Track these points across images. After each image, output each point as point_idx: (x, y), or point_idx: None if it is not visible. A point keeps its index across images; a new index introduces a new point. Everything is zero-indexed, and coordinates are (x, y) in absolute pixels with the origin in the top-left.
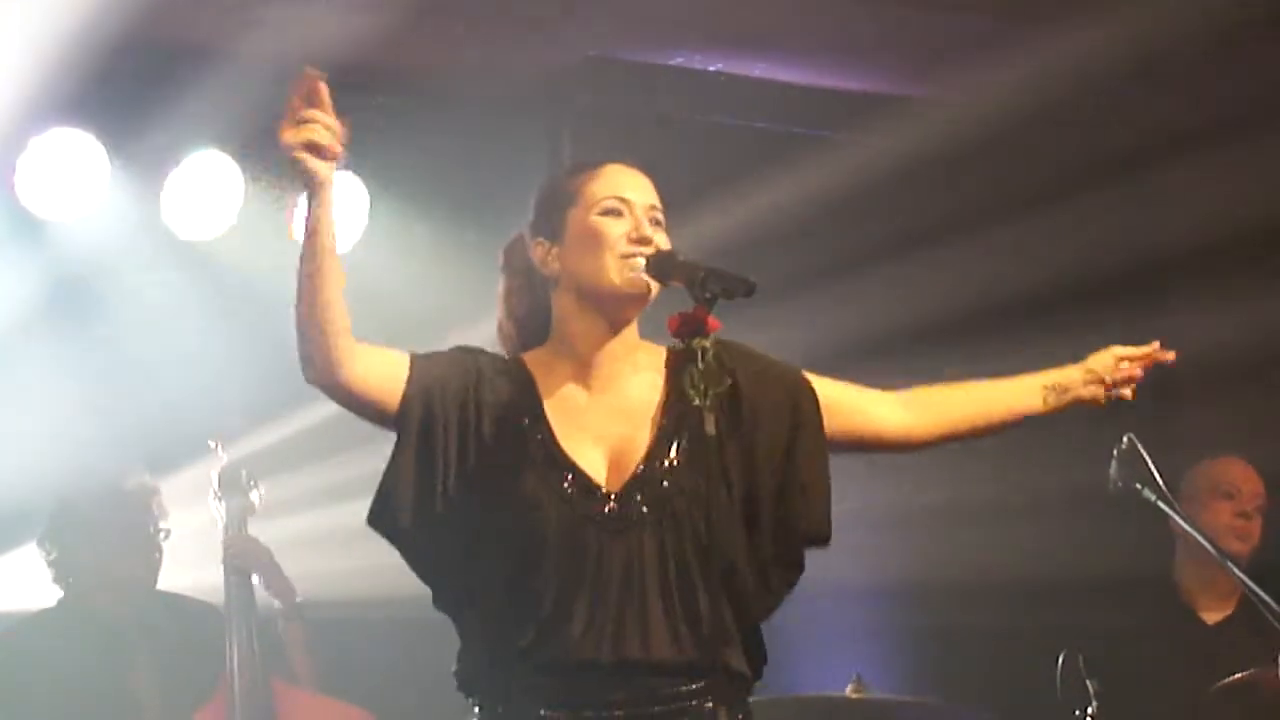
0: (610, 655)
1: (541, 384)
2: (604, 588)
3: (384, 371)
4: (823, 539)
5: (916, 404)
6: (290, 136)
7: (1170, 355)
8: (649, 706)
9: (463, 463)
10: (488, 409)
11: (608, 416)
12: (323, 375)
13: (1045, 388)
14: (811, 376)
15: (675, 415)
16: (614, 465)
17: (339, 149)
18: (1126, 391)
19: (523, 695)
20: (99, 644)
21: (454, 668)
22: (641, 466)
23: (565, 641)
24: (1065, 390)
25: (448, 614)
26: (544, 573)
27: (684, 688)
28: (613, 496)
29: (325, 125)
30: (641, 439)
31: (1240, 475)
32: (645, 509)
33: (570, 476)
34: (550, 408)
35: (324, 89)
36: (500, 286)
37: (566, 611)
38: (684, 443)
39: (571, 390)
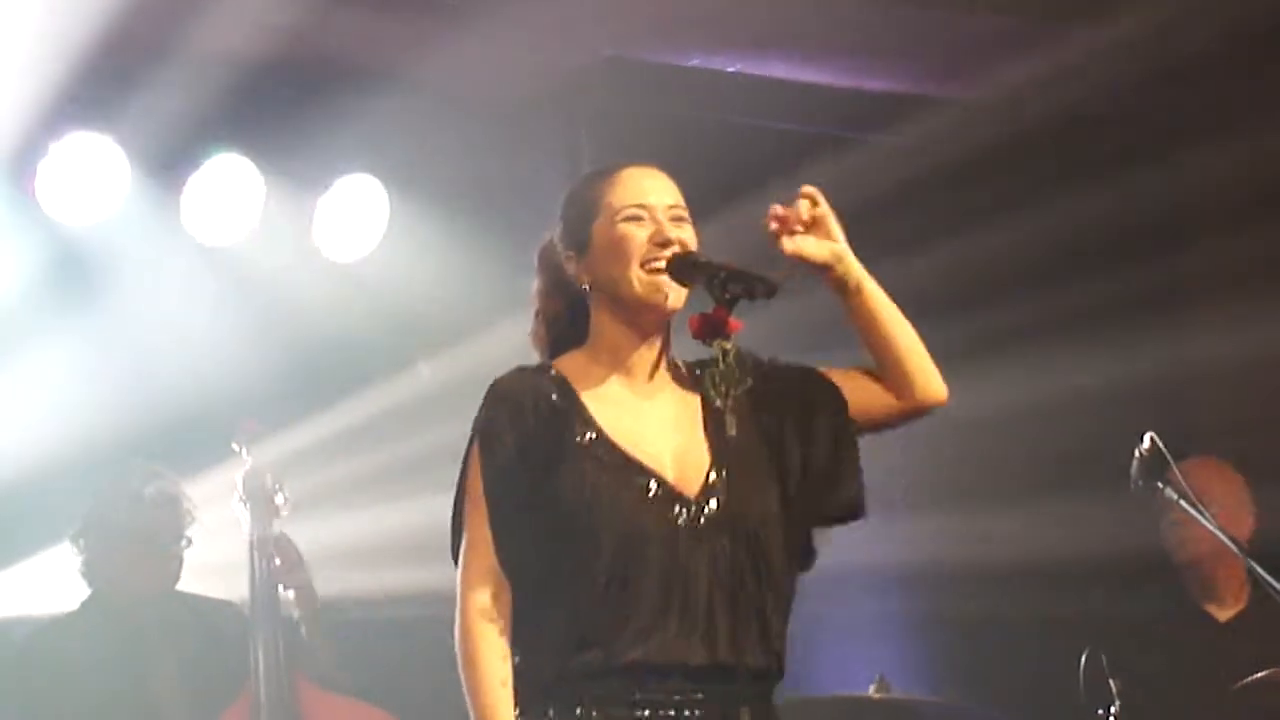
0: (705, 658)
1: (582, 391)
2: (694, 592)
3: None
4: (853, 515)
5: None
6: None
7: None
8: (720, 707)
9: (533, 497)
10: (543, 439)
11: (660, 422)
12: None
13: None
14: (822, 369)
15: (718, 424)
16: (681, 471)
17: None
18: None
19: (603, 698)
20: (124, 646)
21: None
22: (711, 475)
23: (663, 645)
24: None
25: (532, 630)
26: (642, 577)
27: (753, 689)
28: (693, 501)
29: None
30: (699, 448)
31: (1213, 484)
32: (720, 517)
33: (656, 480)
34: (599, 413)
35: None
36: (533, 289)
37: (664, 616)
38: (737, 452)
39: (618, 393)
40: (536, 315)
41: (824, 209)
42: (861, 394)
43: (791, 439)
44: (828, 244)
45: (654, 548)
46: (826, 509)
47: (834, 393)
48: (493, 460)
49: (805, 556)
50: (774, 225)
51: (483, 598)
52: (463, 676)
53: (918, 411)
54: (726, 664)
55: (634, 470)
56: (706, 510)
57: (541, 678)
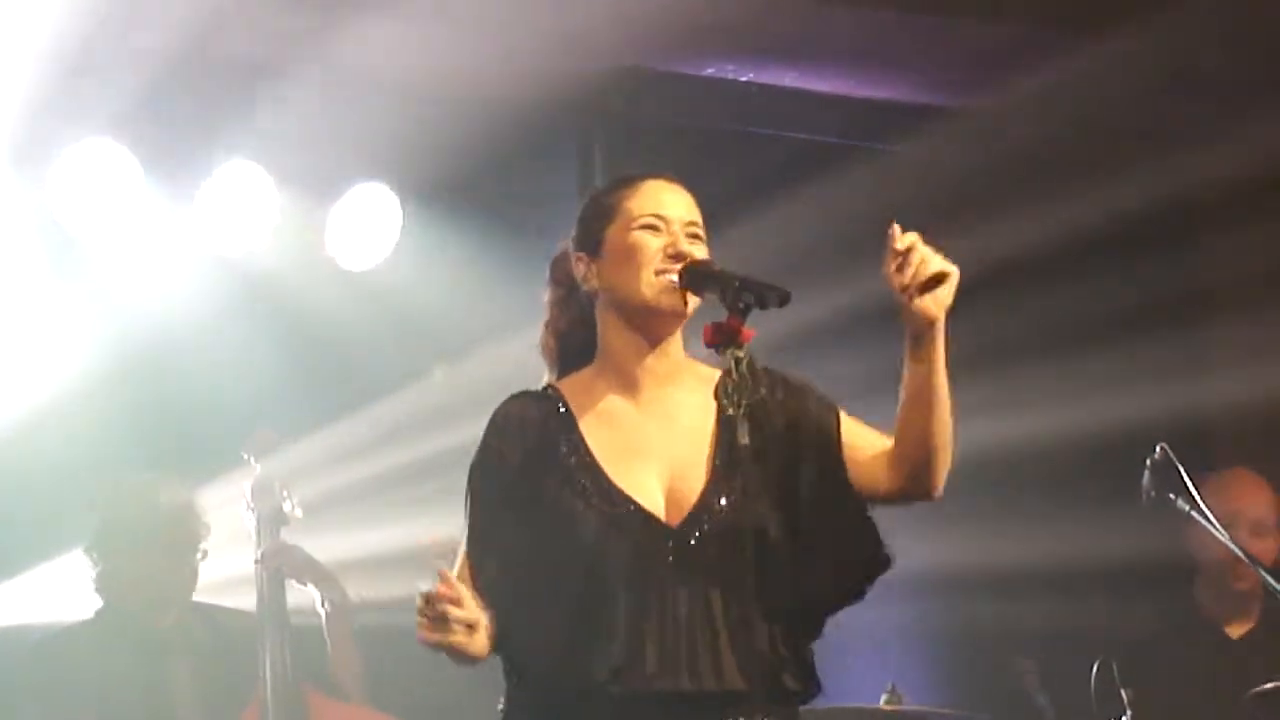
0: (690, 686)
1: (579, 411)
2: (673, 619)
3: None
4: (881, 566)
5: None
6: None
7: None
8: None
9: (515, 531)
10: (525, 469)
11: (660, 438)
12: None
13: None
14: (843, 415)
15: (729, 441)
16: (673, 494)
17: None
18: (924, 298)
19: None
20: (136, 654)
21: (501, 707)
22: (702, 498)
23: (641, 676)
24: (908, 341)
25: (510, 656)
26: (613, 609)
27: (748, 714)
28: (675, 530)
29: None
30: (698, 466)
31: (1248, 494)
32: (707, 541)
33: (630, 510)
34: (592, 433)
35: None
36: (544, 299)
37: (639, 645)
38: (741, 470)
39: (618, 410)
40: (546, 326)
41: (953, 280)
42: (861, 457)
43: (802, 474)
44: (936, 306)
45: (622, 582)
46: (851, 569)
47: (837, 442)
48: (480, 497)
49: (844, 586)
50: (896, 259)
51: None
52: None
53: (904, 498)
54: (713, 692)
55: (613, 500)
56: (693, 537)
57: (532, 706)
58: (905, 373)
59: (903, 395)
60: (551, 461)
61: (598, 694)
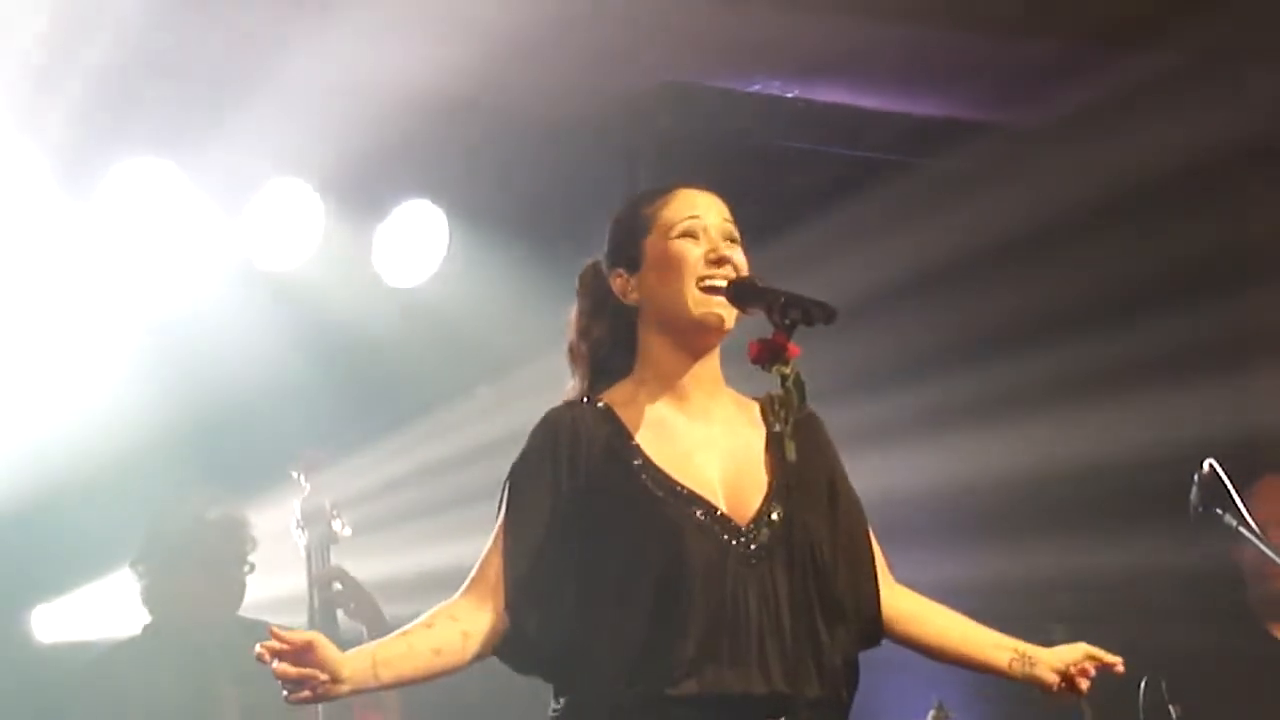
0: (761, 688)
1: (630, 422)
2: (745, 618)
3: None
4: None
5: (907, 600)
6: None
7: (1119, 668)
8: None
9: (571, 534)
10: (583, 475)
11: (714, 443)
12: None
13: (1016, 653)
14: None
15: (780, 452)
16: (734, 497)
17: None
18: (1082, 684)
19: None
20: (184, 671)
21: (555, 713)
22: (764, 503)
23: (714, 674)
24: (1033, 664)
25: (557, 667)
26: (687, 607)
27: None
28: (744, 529)
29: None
30: (754, 471)
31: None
32: (773, 543)
33: (702, 509)
34: (647, 441)
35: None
36: (573, 311)
37: (713, 643)
38: (792, 483)
39: (668, 417)
40: (578, 333)
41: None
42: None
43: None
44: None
45: (699, 577)
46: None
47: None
48: (519, 499)
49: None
50: (1086, 667)
51: (465, 601)
52: None
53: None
54: (783, 694)
55: (681, 498)
56: (759, 537)
57: (596, 713)
58: (991, 657)
59: (972, 650)
60: (614, 467)
61: (667, 693)
